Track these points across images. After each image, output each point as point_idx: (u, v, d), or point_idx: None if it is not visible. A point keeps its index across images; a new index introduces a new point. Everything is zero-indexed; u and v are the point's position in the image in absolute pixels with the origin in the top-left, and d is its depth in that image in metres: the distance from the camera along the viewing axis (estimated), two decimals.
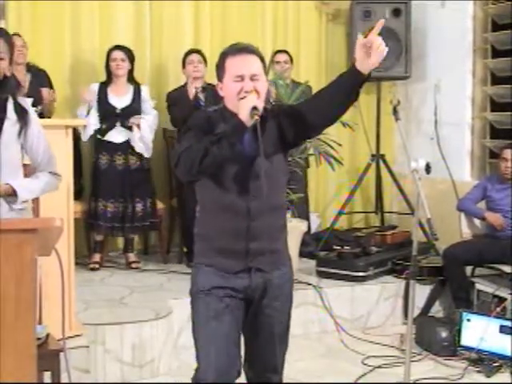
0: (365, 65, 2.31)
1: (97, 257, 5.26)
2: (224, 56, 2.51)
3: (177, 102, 5.26)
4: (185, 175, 2.43)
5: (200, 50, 5.44)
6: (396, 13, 6.02)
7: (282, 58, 5.75)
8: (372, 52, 2.28)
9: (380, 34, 2.29)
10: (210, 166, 2.36)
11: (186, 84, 5.39)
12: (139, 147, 5.15)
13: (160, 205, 5.46)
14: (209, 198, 2.51)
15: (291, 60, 5.81)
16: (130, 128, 5.13)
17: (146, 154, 5.21)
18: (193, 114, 2.61)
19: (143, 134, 5.15)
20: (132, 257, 5.37)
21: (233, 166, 2.42)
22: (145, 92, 5.28)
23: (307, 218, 5.63)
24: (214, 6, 6.00)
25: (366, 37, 2.30)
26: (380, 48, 2.28)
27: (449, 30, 5.94)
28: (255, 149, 2.38)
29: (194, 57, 5.33)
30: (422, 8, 6.16)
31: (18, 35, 5.00)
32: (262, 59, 2.53)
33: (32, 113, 2.91)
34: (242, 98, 2.40)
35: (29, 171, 2.99)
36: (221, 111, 2.53)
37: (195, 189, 2.57)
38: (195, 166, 2.33)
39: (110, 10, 5.70)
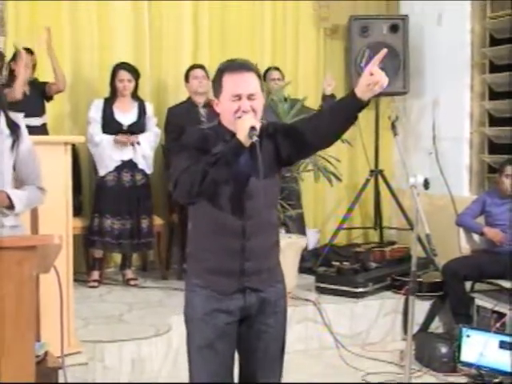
0: (365, 93, 2.32)
1: (96, 274, 5.26)
2: (221, 72, 2.49)
3: (179, 118, 5.28)
4: (184, 197, 2.41)
5: (203, 65, 5.51)
6: (393, 29, 6.07)
7: (276, 75, 5.81)
8: (375, 87, 2.30)
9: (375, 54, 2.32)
10: (209, 188, 2.34)
11: (188, 99, 5.44)
12: (142, 164, 5.19)
13: (159, 220, 5.48)
14: (202, 217, 2.49)
15: (283, 76, 5.87)
16: (132, 144, 5.16)
17: (148, 171, 5.25)
18: (187, 132, 2.59)
19: (144, 152, 5.18)
20: (130, 274, 5.38)
21: (228, 185, 2.40)
22: (149, 109, 5.33)
23: (304, 234, 5.64)
24: (213, 22, 6.05)
25: (366, 63, 2.33)
26: (381, 82, 2.29)
27: (446, 45, 5.98)
28: (251, 168, 2.40)
29: (199, 72, 5.41)
30: (420, 23, 6.21)
31: (31, 52, 5.07)
32: (259, 76, 2.53)
33: (24, 128, 2.93)
34: (239, 118, 2.40)
35: None
36: (216, 129, 2.52)
37: (189, 207, 2.56)
38: (195, 187, 2.31)
39: (109, 25, 5.73)
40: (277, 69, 5.89)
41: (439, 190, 5.70)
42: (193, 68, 5.47)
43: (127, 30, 5.81)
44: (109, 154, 5.10)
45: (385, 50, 2.34)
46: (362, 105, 2.34)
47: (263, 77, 5.65)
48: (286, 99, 5.21)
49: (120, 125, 5.17)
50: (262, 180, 2.34)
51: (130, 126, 5.19)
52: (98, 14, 5.69)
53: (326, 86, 5.79)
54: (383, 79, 2.29)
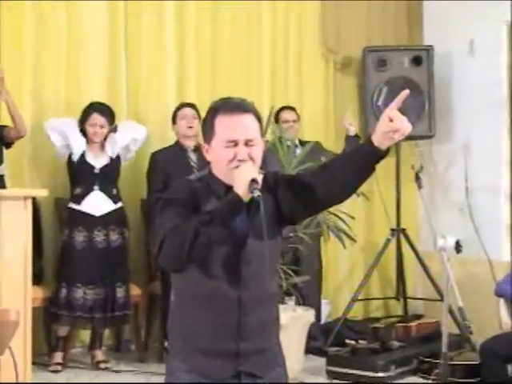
0: (384, 142, 2.31)
1: (59, 356, 5.19)
2: (213, 113, 2.48)
3: (166, 164, 5.31)
4: (171, 263, 2.37)
5: (194, 104, 5.54)
6: (416, 61, 6.15)
7: (290, 116, 5.90)
8: (394, 135, 2.29)
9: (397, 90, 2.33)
10: (201, 252, 2.31)
11: (176, 143, 5.47)
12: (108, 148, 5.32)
13: (137, 289, 5.44)
14: (189, 286, 2.46)
15: (298, 117, 5.94)
16: (110, 195, 5.24)
17: (111, 154, 5.33)
18: (173, 184, 2.59)
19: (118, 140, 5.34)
20: (100, 355, 5.32)
21: (221, 247, 2.37)
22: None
23: (318, 307, 5.61)
24: (202, 54, 6.11)
25: (384, 103, 2.34)
26: (402, 130, 2.27)
27: (479, 80, 6.04)
28: (249, 227, 2.39)
29: (188, 111, 5.46)
30: (447, 56, 6.29)
31: None
32: (259, 118, 2.52)
33: None
34: (236, 168, 2.38)
35: None
36: (206, 180, 2.51)
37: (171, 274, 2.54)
38: (184, 251, 2.28)
39: (80, 59, 5.75)
40: (292, 108, 5.95)
41: (474, 253, 5.69)
42: (181, 107, 5.51)
43: (102, 65, 5.86)
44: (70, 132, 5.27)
45: (406, 91, 2.33)
46: (380, 154, 2.33)
47: (275, 118, 5.71)
48: (301, 142, 5.25)
49: (91, 167, 5.24)
50: (264, 242, 2.30)
51: (101, 169, 5.26)
52: (66, 51, 5.73)
53: (348, 125, 5.83)
54: (405, 126, 2.28)
